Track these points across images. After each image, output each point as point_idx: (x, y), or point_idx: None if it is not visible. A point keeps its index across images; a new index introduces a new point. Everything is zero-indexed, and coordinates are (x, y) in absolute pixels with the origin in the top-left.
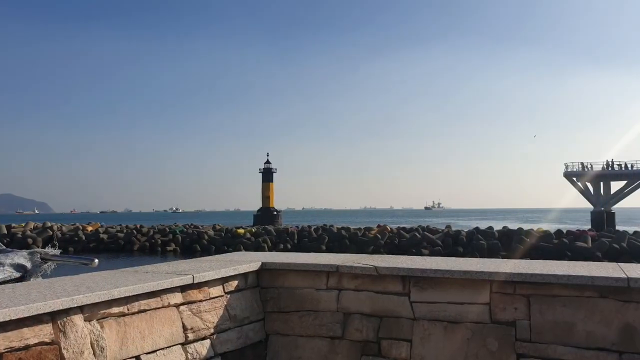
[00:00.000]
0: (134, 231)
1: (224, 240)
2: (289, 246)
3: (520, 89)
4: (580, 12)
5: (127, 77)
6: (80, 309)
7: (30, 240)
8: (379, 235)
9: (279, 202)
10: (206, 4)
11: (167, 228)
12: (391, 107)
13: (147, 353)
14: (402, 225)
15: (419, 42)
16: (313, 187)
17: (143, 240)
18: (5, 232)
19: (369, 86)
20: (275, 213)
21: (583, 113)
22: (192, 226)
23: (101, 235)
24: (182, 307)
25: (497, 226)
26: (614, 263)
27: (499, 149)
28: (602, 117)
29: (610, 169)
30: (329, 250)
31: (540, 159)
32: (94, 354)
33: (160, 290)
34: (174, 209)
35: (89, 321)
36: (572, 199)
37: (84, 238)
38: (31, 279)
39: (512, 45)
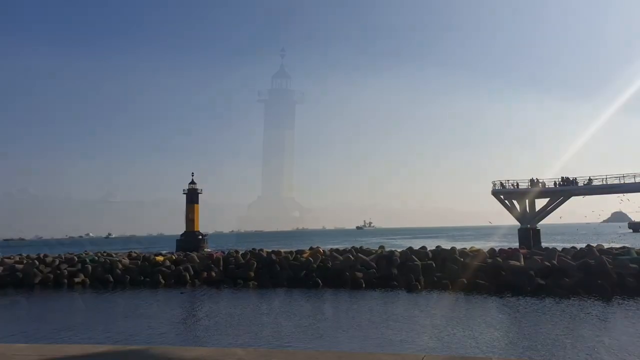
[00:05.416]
0: (36, 261)
1: (141, 269)
2: (213, 274)
3: (449, 110)
4: (491, 35)
5: (39, 92)
6: None
7: None
8: (311, 259)
9: (205, 226)
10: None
11: (75, 257)
12: (319, 127)
13: None
14: (335, 247)
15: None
16: (243, 208)
17: (47, 271)
18: None
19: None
20: (200, 237)
21: (501, 133)
22: (105, 254)
23: None
24: None
25: (430, 245)
26: None
27: (427, 168)
28: (519, 138)
29: (534, 187)
30: (258, 277)
31: (469, 177)
32: None
33: None
34: (108, 234)
35: None
36: (500, 216)
37: None
38: None
39: (433, 66)
